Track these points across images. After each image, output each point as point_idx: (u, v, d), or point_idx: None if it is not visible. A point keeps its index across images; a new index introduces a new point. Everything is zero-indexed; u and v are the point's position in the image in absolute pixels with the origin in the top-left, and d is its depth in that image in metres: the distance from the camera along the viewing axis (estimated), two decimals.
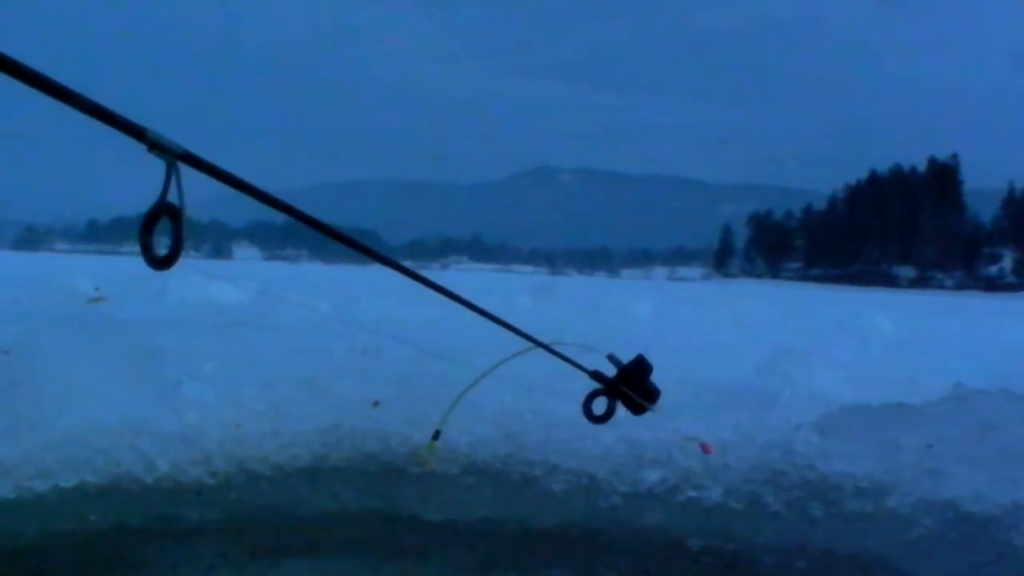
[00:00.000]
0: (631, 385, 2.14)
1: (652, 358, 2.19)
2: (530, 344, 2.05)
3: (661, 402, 2.19)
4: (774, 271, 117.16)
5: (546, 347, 2.09)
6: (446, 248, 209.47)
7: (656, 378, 2.20)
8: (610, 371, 2.18)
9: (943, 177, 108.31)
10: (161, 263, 1.11)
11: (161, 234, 1.11)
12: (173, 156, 1.08)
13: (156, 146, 1.07)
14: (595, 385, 2.17)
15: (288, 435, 3.65)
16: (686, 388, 4.17)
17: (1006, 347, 9.19)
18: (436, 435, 2.59)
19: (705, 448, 3.48)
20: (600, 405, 2.17)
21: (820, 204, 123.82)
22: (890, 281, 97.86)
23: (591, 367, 2.18)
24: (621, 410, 2.19)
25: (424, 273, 1.76)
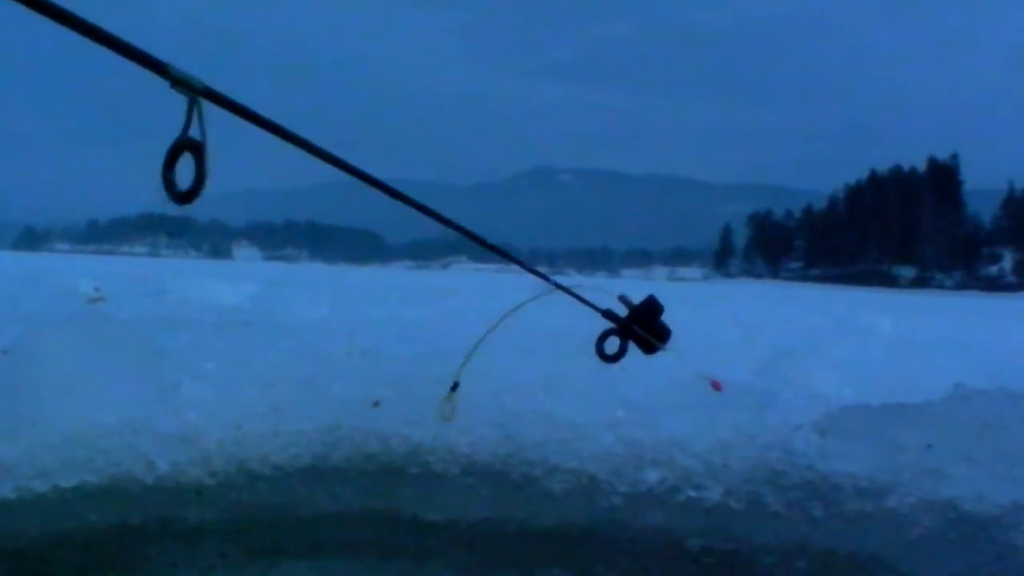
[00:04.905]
0: (643, 325, 2.14)
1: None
2: (546, 286, 2.05)
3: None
4: (774, 271, 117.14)
5: (561, 287, 2.10)
6: (446, 248, 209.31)
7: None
8: (622, 313, 2.17)
9: (943, 177, 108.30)
10: (184, 197, 1.11)
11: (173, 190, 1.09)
12: (195, 92, 1.08)
13: (179, 82, 1.07)
14: (606, 325, 2.17)
15: (288, 435, 3.65)
16: (686, 388, 4.16)
17: (1006, 347, 9.18)
18: (455, 386, 2.59)
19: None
20: (612, 344, 2.17)
21: (820, 204, 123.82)
22: (890, 281, 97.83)
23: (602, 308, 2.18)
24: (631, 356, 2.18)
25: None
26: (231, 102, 1.15)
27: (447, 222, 1.48)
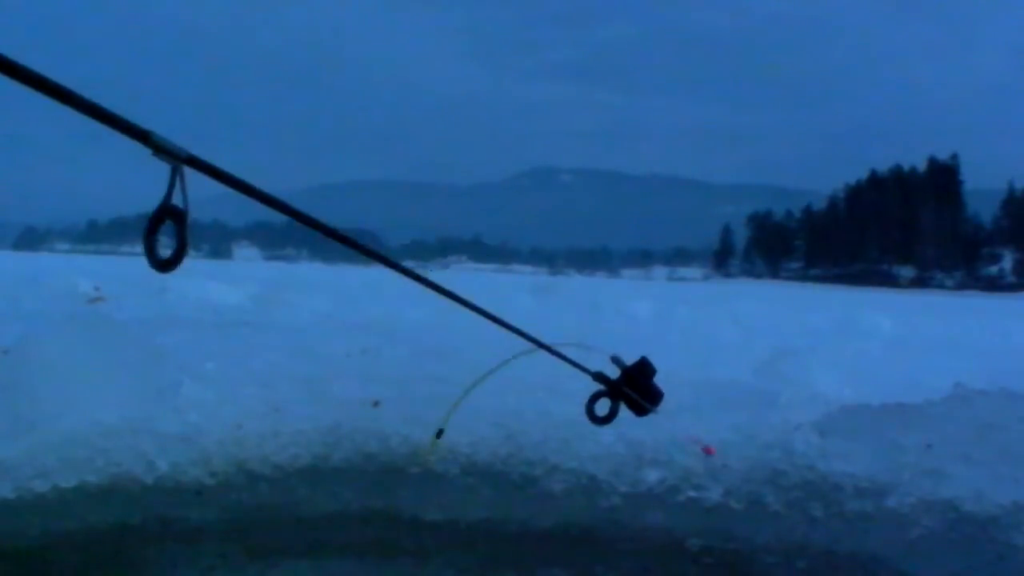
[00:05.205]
0: (634, 387, 2.14)
1: (652, 358, 2.19)
2: (533, 346, 2.05)
3: (664, 404, 2.19)
4: (774, 271, 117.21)
5: (549, 348, 2.09)
6: (446, 248, 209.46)
7: (656, 378, 2.20)
8: (613, 373, 2.18)
9: (943, 177, 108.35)
10: (164, 265, 1.12)
11: (165, 237, 1.12)
12: (177, 160, 1.09)
13: (161, 149, 1.08)
14: (598, 386, 2.17)
15: (288, 435, 3.65)
16: (686, 388, 4.17)
17: (1006, 347, 9.19)
18: (439, 434, 2.60)
19: (707, 450, 3.49)
20: (603, 407, 2.17)
21: (820, 204, 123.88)
22: (890, 281, 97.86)
23: (593, 368, 2.18)
24: (624, 411, 2.19)
25: (424, 273, 1.76)
26: (214, 168, 1.16)
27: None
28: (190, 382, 3.84)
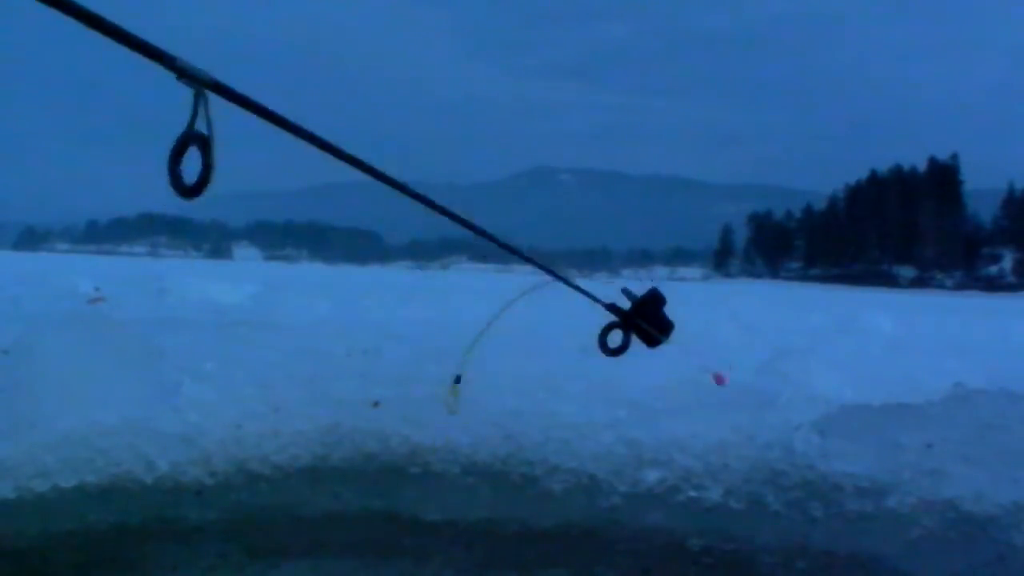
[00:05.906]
0: (645, 317, 2.13)
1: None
2: (547, 280, 2.05)
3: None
4: (774, 271, 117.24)
5: (563, 279, 2.09)
6: (446, 248, 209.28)
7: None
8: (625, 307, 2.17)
9: (943, 177, 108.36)
10: (190, 191, 1.10)
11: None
12: (202, 84, 1.07)
13: (185, 74, 1.06)
14: (610, 319, 2.16)
15: (288, 435, 3.65)
16: (686, 388, 4.16)
17: (1006, 347, 9.19)
18: (457, 379, 2.60)
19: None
20: (615, 338, 2.17)
21: (820, 204, 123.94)
22: (890, 281, 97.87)
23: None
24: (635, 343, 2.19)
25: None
26: (238, 95, 1.14)
27: (451, 215, 1.47)
28: (190, 382, 3.84)
